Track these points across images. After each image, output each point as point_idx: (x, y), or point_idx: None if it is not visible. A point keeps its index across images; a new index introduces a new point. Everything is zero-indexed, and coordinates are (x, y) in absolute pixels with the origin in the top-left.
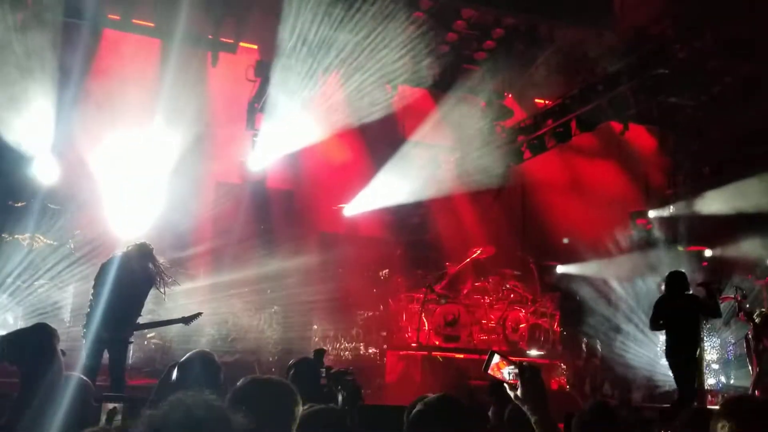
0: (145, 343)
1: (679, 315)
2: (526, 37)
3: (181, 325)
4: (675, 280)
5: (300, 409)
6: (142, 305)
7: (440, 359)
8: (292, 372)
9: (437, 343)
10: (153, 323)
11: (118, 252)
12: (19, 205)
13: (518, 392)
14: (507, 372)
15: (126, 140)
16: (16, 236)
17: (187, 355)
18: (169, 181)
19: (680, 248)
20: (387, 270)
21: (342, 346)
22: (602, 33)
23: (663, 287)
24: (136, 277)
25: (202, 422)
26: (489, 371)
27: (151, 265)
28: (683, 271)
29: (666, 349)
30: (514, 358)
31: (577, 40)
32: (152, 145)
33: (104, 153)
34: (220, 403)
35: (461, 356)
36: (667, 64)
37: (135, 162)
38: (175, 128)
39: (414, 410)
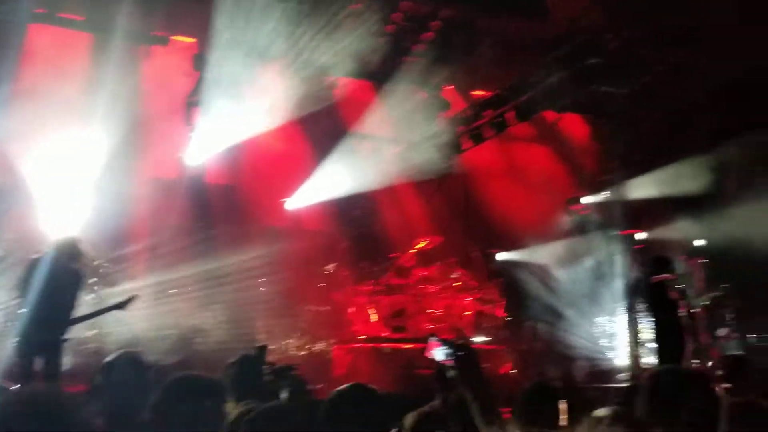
0: (82, 348)
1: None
2: (463, 28)
3: (119, 329)
4: (661, 265)
5: (230, 407)
6: (72, 306)
7: (388, 350)
8: (232, 369)
9: (385, 334)
10: (85, 315)
11: (45, 251)
12: None
13: (456, 373)
14: (446, 354)
15: (58, 137)
16: None
17: (111, 356)
18: (104, 178)
19: (615, 233)
20: (333, 264)
21: (289, 343)
22: (537, 24)
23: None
24: (64, 276)
25: (43, 413)
26: (429, 354)
27: (79, 264)
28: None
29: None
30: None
31: (513, 31)
32: (85, 141)
33: (35, 151)
34: (69, 395)
35: (409, 346)
36: (599, 54)
37: (67, 159)
38: (109, 124)
39: (327, 399)
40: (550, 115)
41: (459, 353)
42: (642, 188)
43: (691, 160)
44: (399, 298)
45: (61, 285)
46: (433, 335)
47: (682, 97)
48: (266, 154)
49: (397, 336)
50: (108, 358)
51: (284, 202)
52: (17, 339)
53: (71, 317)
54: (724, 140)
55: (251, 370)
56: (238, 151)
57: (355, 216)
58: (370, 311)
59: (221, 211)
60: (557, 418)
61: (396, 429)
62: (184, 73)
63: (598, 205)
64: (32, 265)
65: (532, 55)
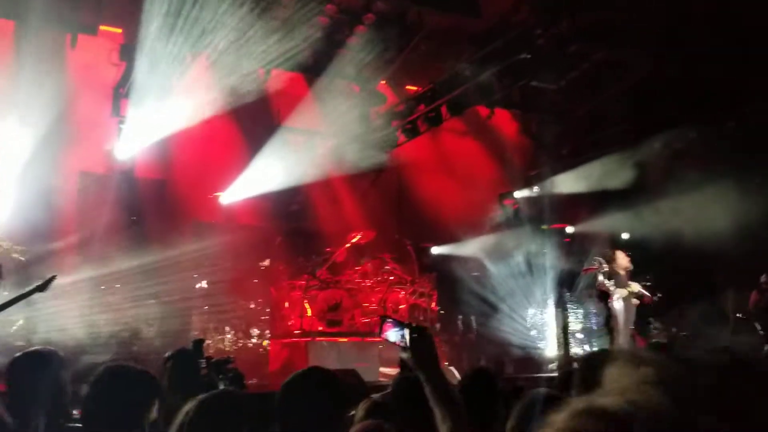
0: (9, 347)
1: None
2: (396, 22)
3: (46, 328)
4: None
5: (159, 400)
6: None
7: (324, 344)
8: (169, 364)
9: (320, 328)
10: (6, 303)
11: None
12: None
13: (408, 354)
14: (399, 335)
15: None
16: None
17: (16, 354)
18: (27, 172)
19: (544, 227)
20: (267, 259)
21: (223, 338)
22: (469, 20)
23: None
24: None
25: None
26: (383, 336)
27: None
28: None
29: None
30: (404, 321)
31: (446, 26)
32: (6, 133)
33: None
34: None
35: (345, 340)
36: (528, 50)
37: None
38: (32, 115)
39: (285, 381)
40: (482, 110)
41: (413, 334)
42: (570, 183)
43: (616, 155)
44: (334, 292)
45: None
46: (387, 317)
47: (604, 92)
48: (198, 147)
49: (332, 330)
50: (15, 356)
51: (217, 196)
52: None
53: None
54: (648, 135)
55: (189, 364)
56: (169, 145)
57: (289, 211)
58: (305, 306)
59: (152, 206)
60: (497, 403)
61: (353, 413)
62: (112, 63)
63: (528, 200)
64: None
65: (465, 49)
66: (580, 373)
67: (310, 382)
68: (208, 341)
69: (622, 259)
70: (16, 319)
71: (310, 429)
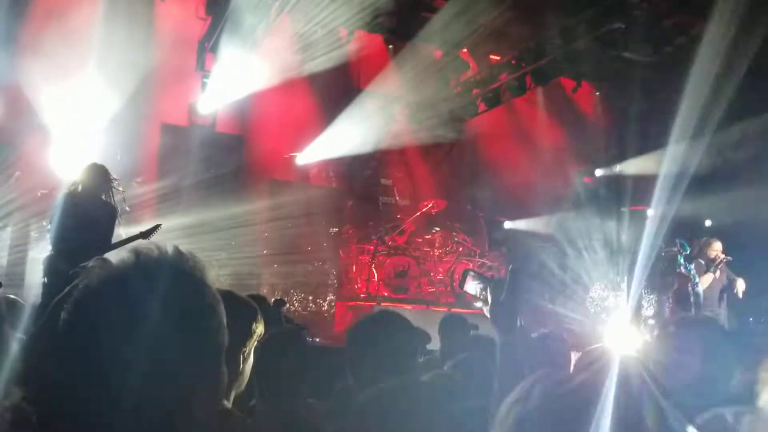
0: None
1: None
2: None
3: None
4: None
5: (260, 328)
6: (107, 237)
7: (389, 310)
8: None
9: (386, 294)
10: (112, 245)
11: (72, 184)
12: None
13: (488, 309)
14: (479, 288)
15: (70, 79)
16: None
17: None
18: (114, 121)
19: (624, 208)
20: (338, 221)
21: (291, 298)
22: None
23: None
24: (99, 205)
25: None
26: (464, 288)
27: (111, 190)
28: None
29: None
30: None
31: None
32: (96, 84)
33: (48, 93)
34: None
35: (409, 307)
36: (623, 20)
37: (79, 102)
38: (120, 67)
39: (356, 322)
40: (567, 82)
41: (496, 288)
42: (654, 164)
43: (704, 138)
44: (402, 259)
45: (95, 217)
46: (471, 270)
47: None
48: (277, 106)
49: (398, 296)
50: None
51: (293, 156)
52: (47, 270)
53: (105, 248)
54: (740, 118)
55: (270, 316)
56: (249, 102)
57: (363, 175)
58: (372, 270)
59: (230, 161)
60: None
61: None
62: (198, 17)
63: (609, 179)
64: (66, 197)
65: (555, 17)
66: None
67: (382, 321)
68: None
69: (715, 248)
70: None
71: (383, 368)
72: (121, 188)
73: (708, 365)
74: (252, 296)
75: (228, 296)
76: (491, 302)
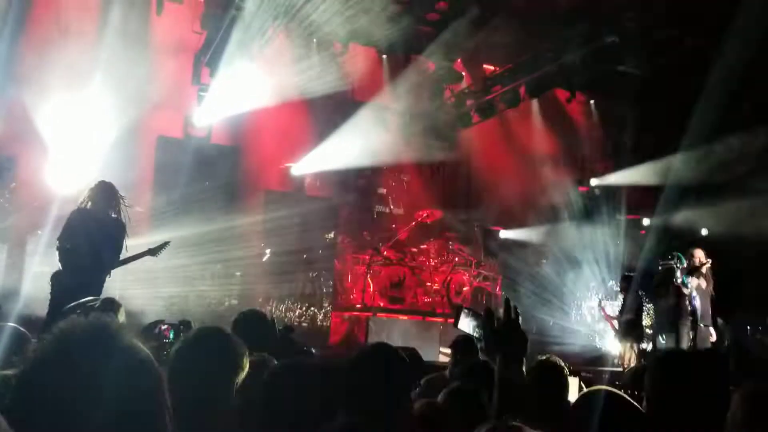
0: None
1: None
2: None
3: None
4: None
5: (246, 361)
6: (118, 252)
7: (385, 320)
8: (242, 319)
9: (382, 304)
10: (122, 261)
11: (81, 201)
12: None
13: (484, 345)
14: (471, 328)
15: (68, 93)
16: None
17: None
18: (109, 134)
19: (619, 217)
20: (333, 232)
21: (286, 307)
22: None
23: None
24: (108, 222)
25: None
26: (459, 326)
27: (119, 207)
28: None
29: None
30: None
31: (529, 5)
32: (93, 98)
33: (46, 106)
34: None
35: (405, 318)
36: (616, 33)
37: (76, 115)
38: (116, 81)
39: (353, 356)
40: (561, 93)
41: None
42: (649, 173)
43: (700, 148)
44: (397, 269)
45: (105, 232)
46: (465, 308)
47: (691, 83)
48: (271, 117)
49: (394, 307)
50: None
51: (288, 167)
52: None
53: (114, 264)
54: (734, 130)
55: (262, 326)
56: (244, 113)
57: (358, 185)
58: (368, 281)
59: (225, 172)
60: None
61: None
62: (194, 31)
63: (605, 188)
64: (76, 214)
65: (548, 29)
66: (654, 373)
67: (380, 359)
68: (267, 307)
69: (697, 255)
70: None
71: (376, 406)
72: (128, 204)
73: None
74: (261, 319)
75: (219, 333)
76: (484, 337)
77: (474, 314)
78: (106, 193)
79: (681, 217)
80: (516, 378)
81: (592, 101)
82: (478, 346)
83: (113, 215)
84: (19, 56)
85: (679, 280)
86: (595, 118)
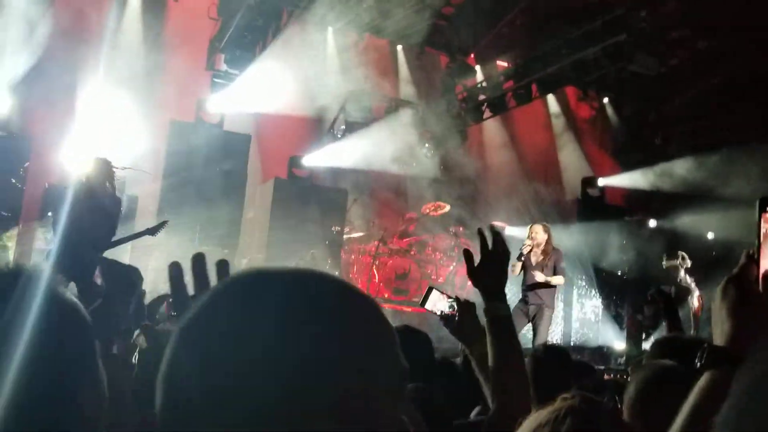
0: None
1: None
2: None
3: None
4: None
5: None
6: (111, 231)
7: (388, 312)
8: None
9: (386, 295)
10: (117, 240)
11: (77, 178)
12: None
13: (454, 326)
14: (444, 306)
15: (83, 75)
16: None
17: None
18: (124, 117)
19: (627, 218)
20: (340, 222)
21: None
22: None
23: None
24: (103, 200)
25: None
26: (426, 306)
27: (113, 182)
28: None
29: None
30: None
31: (544, 1)
32: (108, 81)
33: (61, 88)
34: None
35: (409, 309)
36: (629, 32)
37: (90, 97)
38: (131, 64)
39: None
40: (572, 90)
41: (462, 308)
42: (657, 175)
43: (710, 151)
44: (403, 261)
45: (103, 208)
46: (434, 287)
47: (703, 84)
48: (286, 106)
49: (398, 298)
50: None
51: (300, 156)
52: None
53: (108, 242)
54: (743, 136)
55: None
56: (259, 101)
57: (367, 175)
58: (373, 271)
59: (236, 158)
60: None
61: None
62: (210, 17)
63: (613, 189)
64: (73, 190)
65: (562, 26)
66: (651, 358)
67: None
68: None
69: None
70: None
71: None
72: (129, 168)
73: None
74: None
75: None
76: (456, 321)
77: (443, 293)
78: (101, 170)
79: (687, 220)
80: (502, 311)
81: (605, 99)
82: (447, 328)
83: (109, 191)
84: (37, 37)
85: (688, 280)
86: (605, 117)
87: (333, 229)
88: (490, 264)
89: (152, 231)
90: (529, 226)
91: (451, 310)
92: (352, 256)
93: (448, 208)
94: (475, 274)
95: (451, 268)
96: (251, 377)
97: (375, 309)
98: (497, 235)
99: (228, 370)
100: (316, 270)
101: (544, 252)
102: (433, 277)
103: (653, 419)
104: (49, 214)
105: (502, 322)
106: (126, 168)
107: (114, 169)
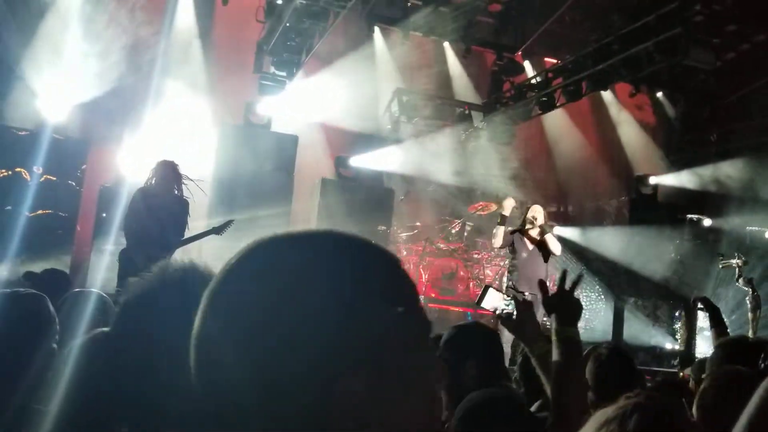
0: None
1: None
2: None
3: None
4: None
5: None
6: (182, 229)
7: (435, 311)
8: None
9: (433, 295)
10: (186, 239)
11: (146, 180)
12: (23, 133)
13: (513, 325)
14: (502, 305)
15: (134, 78)
16: (17, 169)
17: None
18: (175, 119)
19: (680, 216)
20: (387, 221)
21: None
22: None
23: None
24: (172, 199)
25: None
26: (483, 305)
27: (181, 185)
28: None
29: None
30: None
31: None
32: (158, 83)
33: (114, 91)
34: None
35: (457, 309)
36: (684, 26)
37: (142, 100)
38: (181, 66)
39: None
40: (624, 86)
41: (520, 307)
42: (712, 173)
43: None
44: (450, 261)
45: (169, 209)
46: (491, 286)
47: (762, 79)
48: (332, 109)
49: (445, 298)
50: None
51: (346, 156)
52: (123, 267)
53: (177, 241)
54: None
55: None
56: (302, 101)
57: (413, 175)
58: (420, 271)
59: (284, 159)
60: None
61: None
62: (257, 20)
63: (667, 187)
64: (141, 192)
65: (613, 21)
66: (716, 359)
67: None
68: None
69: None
70: None
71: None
72: (193, 179)
73: None
74: None
75: None
76: (543, 303)
77: (500, 293)
78: (168, 172)
79: (741, 220)
80: (573, 335)
81: (658, 95)
82: (505, 319)
83: (176, 193)
84: (92, 44)
85: (741, 282)
86: (657, 114)
87: (379, 228)
88: (565, 299)
89: (218, 230)
90: (528, 207)
91: (502, 311)
92: (399, 256)
93: (494, 207)
94: (549, 303)
95: (501, 266)
96: (281, 327)
97: (396, 262)
98: (577, 283)
99: (256, 329)
100: (334, 229)
101: (541, 232)
102: (480, 277)
103: (726, 421)
104: (104, 215)
105: (573, 345)
106: (191, 180)
107: (180, 171)
